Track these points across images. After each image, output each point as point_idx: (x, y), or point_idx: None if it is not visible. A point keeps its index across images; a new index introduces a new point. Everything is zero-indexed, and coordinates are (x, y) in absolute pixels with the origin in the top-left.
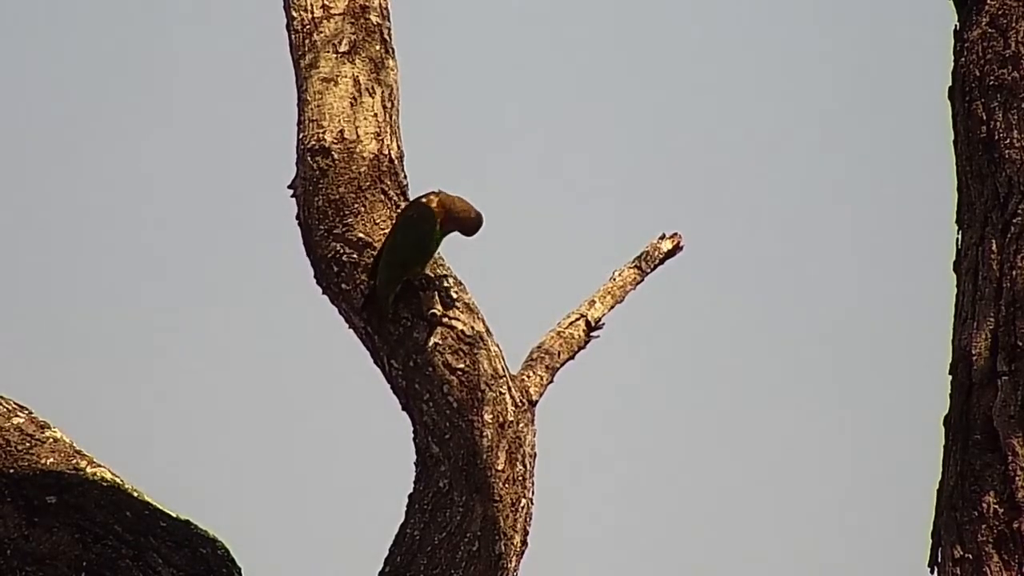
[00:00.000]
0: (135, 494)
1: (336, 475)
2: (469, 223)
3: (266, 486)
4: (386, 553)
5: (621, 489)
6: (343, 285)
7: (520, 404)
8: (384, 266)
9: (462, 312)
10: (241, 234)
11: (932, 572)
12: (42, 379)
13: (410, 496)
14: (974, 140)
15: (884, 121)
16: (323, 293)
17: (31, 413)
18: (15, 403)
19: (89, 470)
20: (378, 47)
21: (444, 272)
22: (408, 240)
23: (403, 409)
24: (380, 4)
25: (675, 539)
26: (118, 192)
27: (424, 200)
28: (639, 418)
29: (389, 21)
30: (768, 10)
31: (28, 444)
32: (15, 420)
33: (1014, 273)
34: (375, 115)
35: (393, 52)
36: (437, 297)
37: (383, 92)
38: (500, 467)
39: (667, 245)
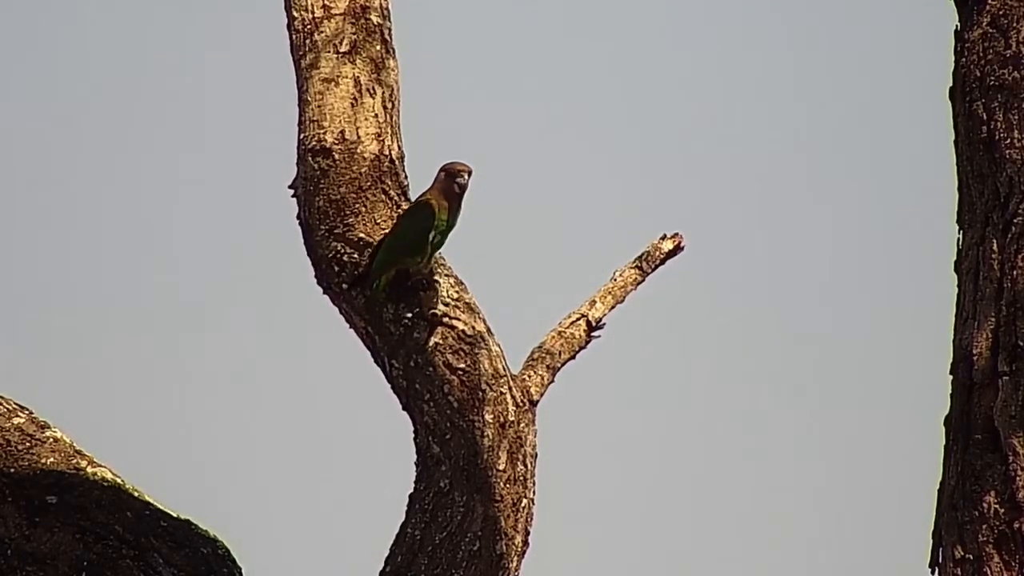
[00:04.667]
0: (136, 494)
1: (337, 475)
2: (460, 171)
3: (266, 486)
4: (387, 553)
5: (622, 489)
6: (344, 285)
7: (521, 404)
8: (384, 249)
9: (463, 312)
10: (242, 234)
11: (933, 572)
12: (42, 379)
13: (411, 496)
14: (975, 140)
15: (885, 121)
16: (324, 293)
17: (31, 413)
18: (15, 403)
19: (90, 470)
20: (379, 47)
21: (445, 272)
22: (411, 224)
23: (403, 409)
24: (381, 4)
25: (675, 539)
26: (117, 192)
27: (423, 199)
28: (640, 418)
29: (390, 21)
30: (769, 11)
31: (28, 444)
32: (15, 420)
33: (1015, 273)
34: (376, 115)
35: (394, 52)
36: (436, 294)
37: (384, 92)
38: (501, 467)
39: (668, 245)
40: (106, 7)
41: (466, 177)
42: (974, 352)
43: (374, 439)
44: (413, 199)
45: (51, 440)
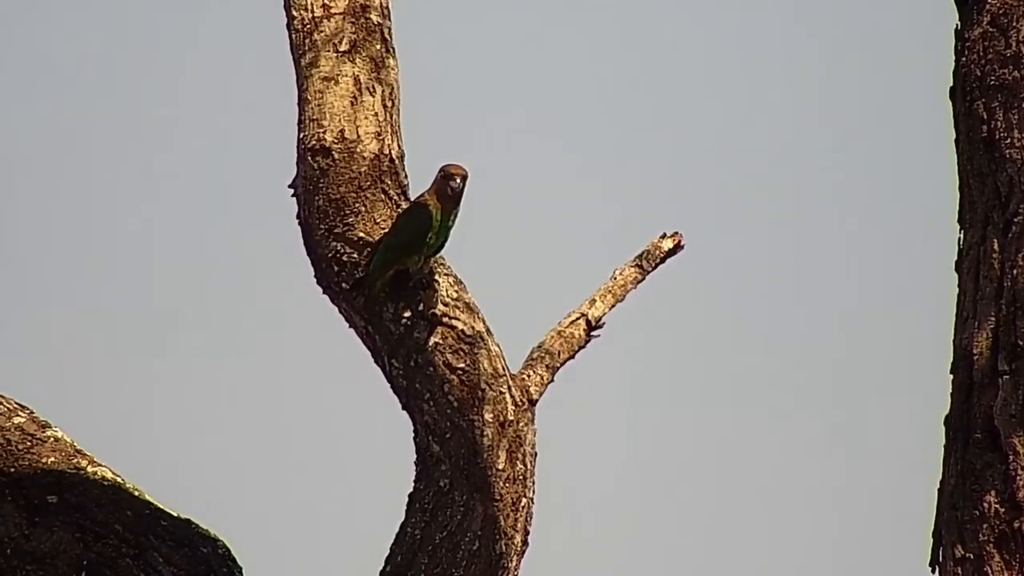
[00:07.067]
0: (136, 493)
1: (337, 474)
2: (454, 174)
3: (267, 485)
4: (387, 552)
5: (621, 488)
6: (343, 285)
7: (520, 403)
8: (382, 250)
9: (462, 311)
10: (242, 234)
11: (933, 572)
12: (43, 378)
13: (411, 495)
14: (975, 140)
15: (885, 121)
16: (323, 293)
17: (32, 412)
18: (16, 402)
19: (90, 469)
20: (378, 46)
21: (445, 272)
22: (409, 225)
23: (403, 408)
24: (380, 3)
25: (675, 538)
26: (118, 191)
27: (421, 199)
28: (640, 417)
29: (390, 20)
30: (768, 11)
31: (29, 443)
32: (16, 419)
33: (1015, 272)
34: (375, 114)
35: (394, 51)
36: (435, 292)
37: (383, 91)
38: (501, 466)
39: (668, 244)
40: (106, 7)
41: (459, 181)
42: (974, 351)
43: (374, 438)
44: (413, 198)
45: (52, 439)
